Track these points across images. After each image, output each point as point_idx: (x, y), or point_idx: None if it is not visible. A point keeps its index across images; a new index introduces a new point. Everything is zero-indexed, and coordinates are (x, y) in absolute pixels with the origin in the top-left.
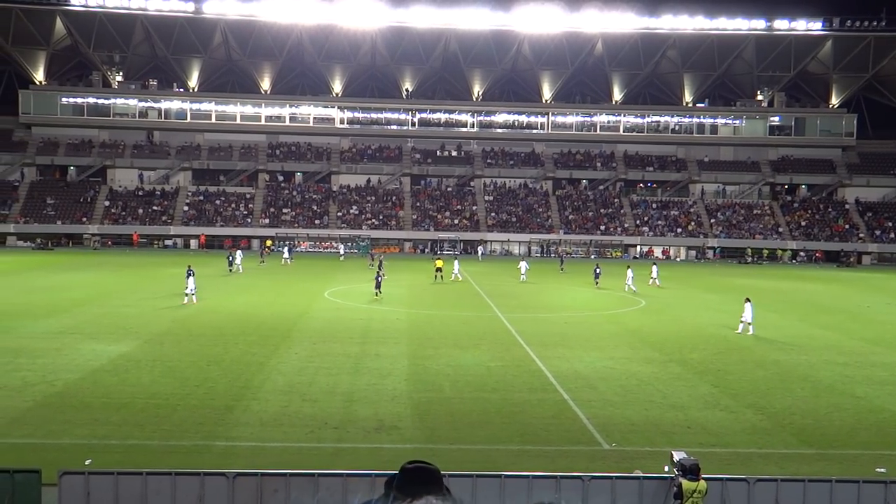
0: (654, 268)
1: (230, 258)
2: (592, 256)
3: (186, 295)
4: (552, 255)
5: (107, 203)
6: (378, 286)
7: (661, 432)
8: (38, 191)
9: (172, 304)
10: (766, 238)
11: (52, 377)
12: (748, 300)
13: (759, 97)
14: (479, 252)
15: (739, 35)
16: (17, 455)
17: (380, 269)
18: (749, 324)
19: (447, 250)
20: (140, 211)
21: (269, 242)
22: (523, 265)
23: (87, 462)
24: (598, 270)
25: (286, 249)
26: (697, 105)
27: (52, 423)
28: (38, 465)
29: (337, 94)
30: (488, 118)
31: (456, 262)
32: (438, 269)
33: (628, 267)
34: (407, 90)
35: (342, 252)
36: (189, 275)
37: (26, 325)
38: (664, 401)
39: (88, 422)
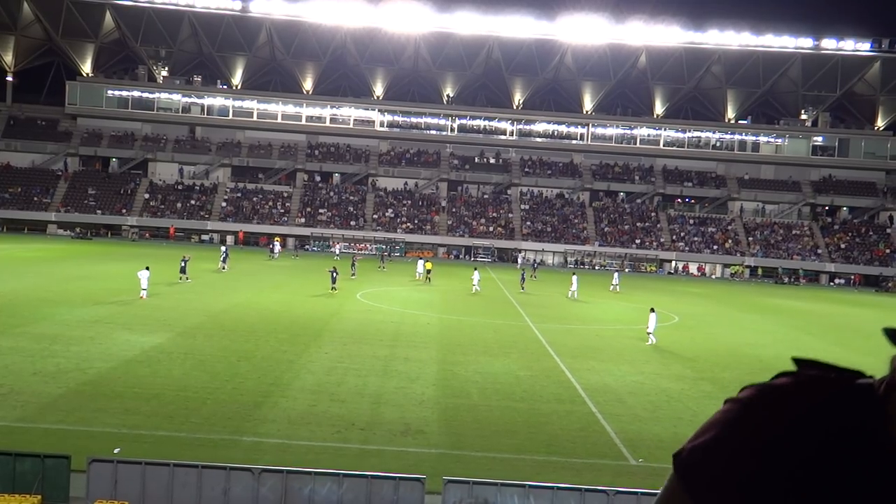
0: (616, 275)
1: (271, 247)
2: (627, 270)
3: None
4: (586, 266)
5: (146, 195)
6: (334, 281)
7: None
8: (80, 181)
9: (205, 298)
10: (805, 259)
11: (86, 365)
12: (652, 310)
13: (803, 116)
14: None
15: (786, 53)
16: (47, 440)
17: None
18: (649, 334)
19: (482, 257)
20: (178, 205)
21: (278, 239)
22: (476, 275)
23: (115, 450)
24: (523, 275)
25: (223, 249)
26: (740, 122)
27: (83, 410)
28: (67, 452)
29: (378, 97)
30: (528, 127)
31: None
32: (428, 271)
33: (573, 274)
34: (448, 96)
35: (338, 252)
36: (182, 267)
37: (62, 312)
38: (694, 418)
39: (119, 411)
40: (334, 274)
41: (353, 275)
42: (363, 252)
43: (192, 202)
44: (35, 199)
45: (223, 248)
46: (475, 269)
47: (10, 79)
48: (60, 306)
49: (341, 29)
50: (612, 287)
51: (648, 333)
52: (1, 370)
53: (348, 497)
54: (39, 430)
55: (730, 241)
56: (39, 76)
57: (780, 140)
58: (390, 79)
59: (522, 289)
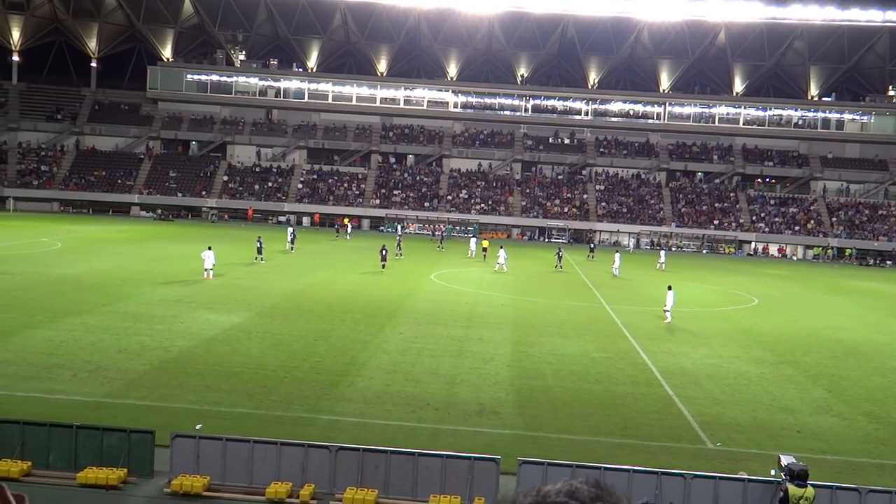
0: (663, 253)
1: (337, 227)
2: (704, 251)
3: (206, 270)
4: (662, 248)
5: (225, 178)
6: (384, 258)
7: (768, 435)
8: (162, 163)
9: (281, 278)
10: (891, 240)
11: (168, 343)
12: (670, 288)
13: (891, 92)
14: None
15: (872, 27)
16: (132, 415)
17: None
18: (666, 311)
19: (556, 238)
20: (256, 187)
21: (348, 221)
22: (502, 253)
23: (197, 426)
24: (560, 253)
25: (290, 230)
26: (823, 99)
27: (166, 387)
28: (152, 427)
29: (451, 79)
30: (603, 106)
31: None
32: (484, 249)
33: (616, 252)
34: (522, 76)
35: (399, 232)
36: (258, 248)
37: (146, 292)
38: (774, 403)
39: (200, 388)
40: (384, 252)
41: (400, 254)
42: (437, 232)
43: (270, 184)
44: (119, 181)
45: (291, 230)
46: (501, 247)
47: (94, 65)
48: (143, 286)
49: (415, 10)
50: (659, 265)
51: (665, 311)
52: (89, 347)
53: (423, 476)
54: (125, 406)
55: (812, 221)
56: (122, 62)
57: (865, 117)
58: (464, 59)
59: (560, 267)
